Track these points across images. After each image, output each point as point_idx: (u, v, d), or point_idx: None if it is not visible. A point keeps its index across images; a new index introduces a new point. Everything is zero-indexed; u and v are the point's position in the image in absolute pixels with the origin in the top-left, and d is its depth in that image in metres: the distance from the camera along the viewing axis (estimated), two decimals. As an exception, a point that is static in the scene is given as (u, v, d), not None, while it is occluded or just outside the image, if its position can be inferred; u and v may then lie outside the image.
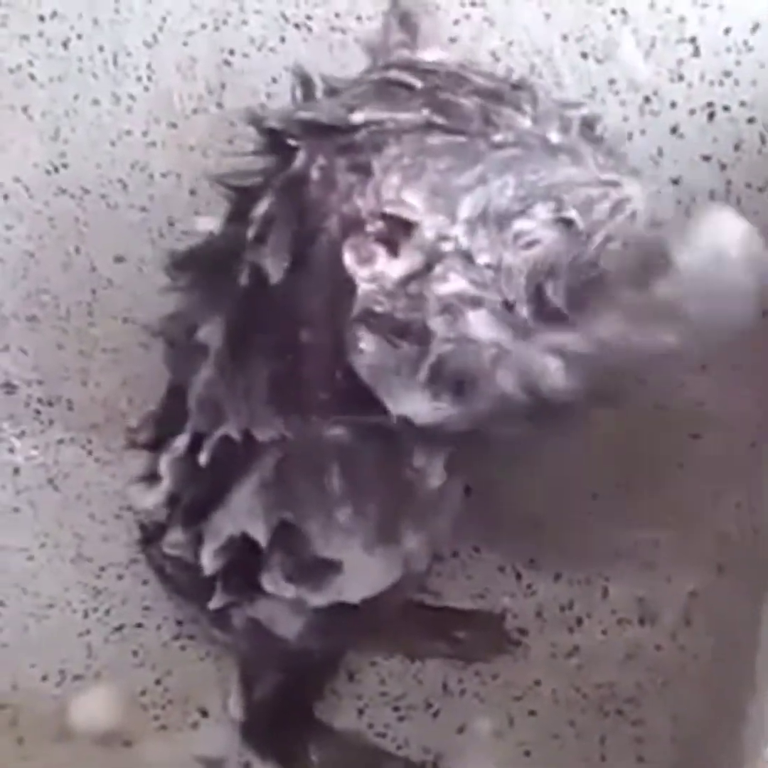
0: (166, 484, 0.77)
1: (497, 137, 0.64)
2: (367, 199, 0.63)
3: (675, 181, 0.78)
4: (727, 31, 0.74)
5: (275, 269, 0.66)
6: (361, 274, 0.65)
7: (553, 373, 0.66)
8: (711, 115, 0.76)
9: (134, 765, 0.85)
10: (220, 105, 0.86)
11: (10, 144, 0.92)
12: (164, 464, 0.77)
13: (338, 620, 0.78)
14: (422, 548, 0.78)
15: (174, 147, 0.89)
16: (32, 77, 0.90)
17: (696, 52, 0.75)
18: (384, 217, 0.64)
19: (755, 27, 0.73)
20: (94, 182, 0.92)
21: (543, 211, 0.65)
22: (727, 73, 0.75)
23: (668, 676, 0.85)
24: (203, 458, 0.73)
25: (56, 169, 0.93)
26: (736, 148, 0.76)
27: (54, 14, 0.87)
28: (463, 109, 0.64)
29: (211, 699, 0.87)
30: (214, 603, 0.77)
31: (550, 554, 0.92)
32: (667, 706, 0.83)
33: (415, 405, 0.68)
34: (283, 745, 0.84)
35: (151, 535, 0.82)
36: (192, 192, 0.89)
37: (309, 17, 0.82)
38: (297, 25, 0.83)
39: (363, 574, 0.76)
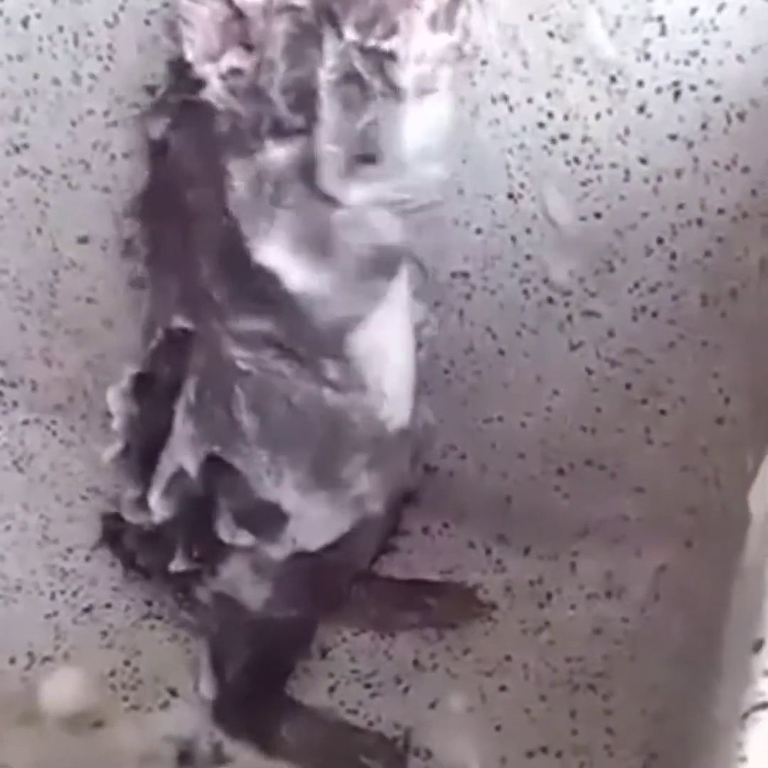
0: (117, 423, 0.78)
1: None
2: None
3: (642, 160, 0.78)
4: (693, 10, 0.74)
5: (155, 127, 0.71)
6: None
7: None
8: (677, 94, 0.76)
9: (105, 746, 0.85)
10: (183, 84, 0.85)
11: (-31, 125, 0.91)
12: (112, 400, 0.78)
13: (304, 584, 0.79)
14: (379, 490, 0.79)
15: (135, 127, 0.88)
16: (-10, 56, 0.88)
17: (662, 31, 0.75)
18: None
19: (721, 6, 0.73)
20: (55, 162, 0.91)
21: None
22: (694, 53, 0.75)
23: (637, 650, 0.86)
24: (134, 371, 0.76)
25: (17, 150, 0.91)
26: (703, 126, 0.76)
27: (12, -8, 0.85)
28: None
29: (181, 679, 0.87)
30: (175, 565, 0.78)
31: (519, 530, 0.92)
32: (636, 680, 0.84)
33: (275, 254, 0.69)
34: (255, 724, 0.84)
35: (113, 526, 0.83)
36: (155, 172, 0.88)
37: (273, -5, 0.81)
38: (262, 3, 0.82)
39: (310, 519, 0.76)
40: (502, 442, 0.90)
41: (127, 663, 0.89)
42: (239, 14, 0.66)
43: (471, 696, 0.86)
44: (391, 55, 0.66)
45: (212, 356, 0.73)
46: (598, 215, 0.80)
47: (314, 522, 0.77)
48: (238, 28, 0.66)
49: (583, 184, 0.80)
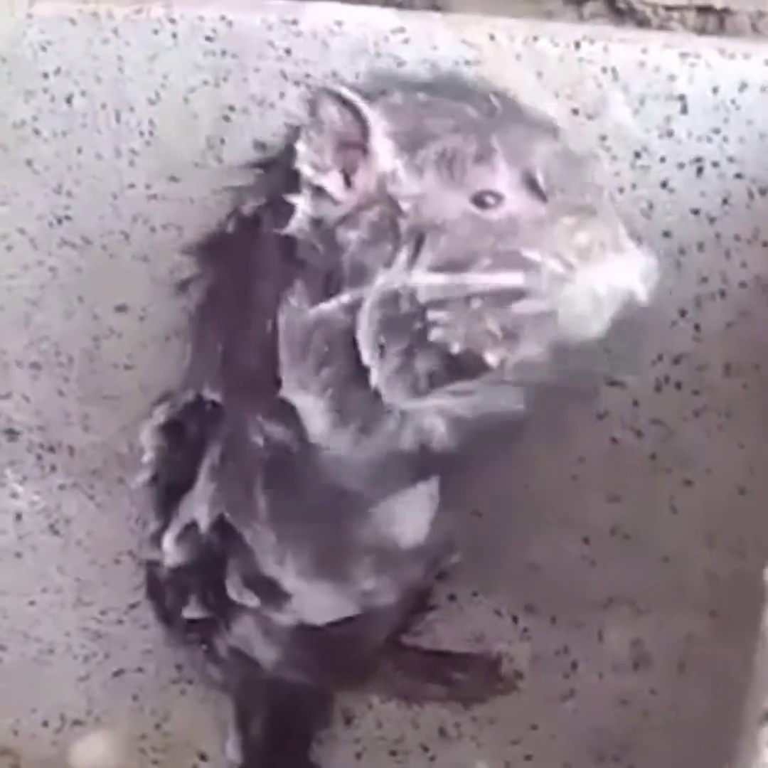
0: (147, 457, 0.79)
1: None
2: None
3: (666, 234, 0.80)
4: (715, 89, 0.76)
5: (251, 204, 0.71)
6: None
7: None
8: (699, 170, 0.78)
9: (133, 809, 0.86)
10: (219, 159, 0.87)
11: (15, 196, 0.94)
12: (145, 434, 0.79)
13: (311, 652, 0.79)
14: (387, 588, 0.79)
15: (175, 200, 0.90)
16: (37, 132, 0.91)
17: (684, 109, 0.77)
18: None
19: (743, 86, 0.75)
20: (96, 234, 0.94)
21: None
22: (716, 130, 0.77)
23: (662, 721, 0.86)
24: (164, 417, 0.77)
25: (59, 221, 0.94)
26: (725, 202, 0.78)
27: (58, 71, 0.88)
28: None
29: (210, 743, 0.87)
30: (189, 611, 0.78)
31: (545, 599, 0.92)
32: (661, 751, 0.84)
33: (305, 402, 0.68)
34: (279, 790, 0.85)
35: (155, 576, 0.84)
36: (192, 244, 0.91)
37: (308, 75, 0.84)
38: (296, 82, 0.84)
39: (313, 601, 0.77)
40: (528, 510, 0.91)
41: (157, 727, 0.89)
42: (365, 151, 0.66)
43: (496, 764, 0.85)
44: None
45: (238, 434, 0.73)
46: (622, 287, 0.82)
47: (318, 604, 0.77)
48: (353, 161, 0.66)
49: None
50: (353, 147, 0.66)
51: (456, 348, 0.65)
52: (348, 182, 0.66)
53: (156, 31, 0.85)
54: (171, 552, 0.76)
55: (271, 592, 0.76)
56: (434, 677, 0.91)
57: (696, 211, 0.79)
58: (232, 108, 0.86)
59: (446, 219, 0.64)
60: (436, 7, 0.85)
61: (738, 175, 0.77)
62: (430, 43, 0.80)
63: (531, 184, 0.64)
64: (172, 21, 0.85)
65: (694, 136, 0.77)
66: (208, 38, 0.85)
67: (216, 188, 0.87)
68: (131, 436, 0.99)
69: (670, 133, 0.78)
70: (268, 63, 0.84)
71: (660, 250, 0.80)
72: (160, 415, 0.78)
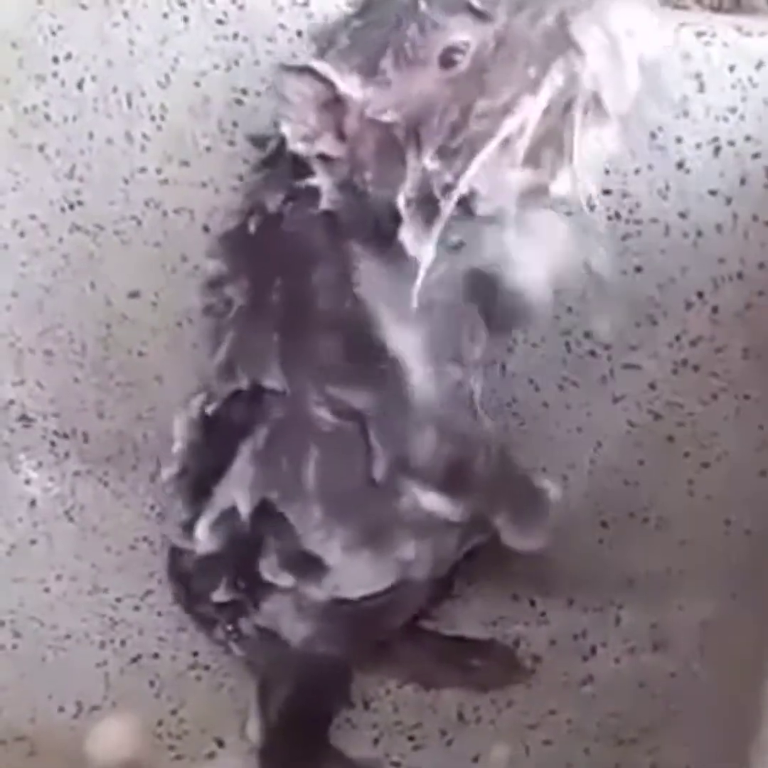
0: (178, 446, 0.79)
1: None
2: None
3: (682, 215, 0.79)
4: (731, 68, 0.75)
5: (272, 201, 0.71)
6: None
7: None
8: (716, 150, 0.77)
9: (151, 795, 0.86)
10: (232, 143, 0.87)
11: (26, 182, 0.93)
12: (177, 426, 0.79)
13: (343, 626, 0.79)
14: (423, 558, 0.79)
15: (187, 184, 0.90)
16: (47, 117, 0.90)
17: (701, 89, 0.76)
18: None
19: (760, 64, 0.74)
20: (108, 219, 0.93)
21: None
22: (733, 109, 0.76)
23: (682, 704, 0.86)
24: (210, 410, 0.76)
25: (71, 207, 0.94)
26: (742, 182, 0.77)
27: (68, 56, 0.88)
28: None
29: (228, 729, 0.87)
30: (218, 596, 0.78)
31: (563, 582, 0.92)
32: (681, 734, 0.84)
33: (406, 337, 0.70)
34: (300, 774, 0.85)
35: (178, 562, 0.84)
36: (205, 228, 0.90)
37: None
38: (308, 65, 0.84)
39: (352, 573, 0.77)
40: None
41: (173, 713, 0.90)
42: (338, 101, 0.67)
43: (515, 749, 0.85)
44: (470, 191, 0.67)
45: (293, 411, 0.74)
46: (638, 269, 0.81)
47: (356, 576, 0.78)
48: (334, 116, 0.68)
49: (624, 238, 0.81)
50: (329, 103, 0.67)
51: None
52: (342, 136, 0.68)
53: (166, 15, 0.85)
54: (204, 540, 0.77)
55: (311, 569, 0.76)
56: (452, 663, 0.91)
57: (713, 192, 0.78)
58: (244, 91, 0.85)
59: (429, 102, 0.66)
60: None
61: (755, 155, 0.76)
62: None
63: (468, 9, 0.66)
64: (183, 4, 0.84)
65: (710, 115, 0.77)
66: (219, 21, 0.84)
67: (228, 172, 0.88)
68: (147, 423, 1.01)
69: (686, 113, 0.77)
70: (280, 46, 0.83)
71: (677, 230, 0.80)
72: (196, 406, 0.78)
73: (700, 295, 0.81)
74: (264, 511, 0.75)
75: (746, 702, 0.73)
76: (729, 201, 0.78)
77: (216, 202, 0.88)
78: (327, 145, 0.68)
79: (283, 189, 0.71)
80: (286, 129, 0.68)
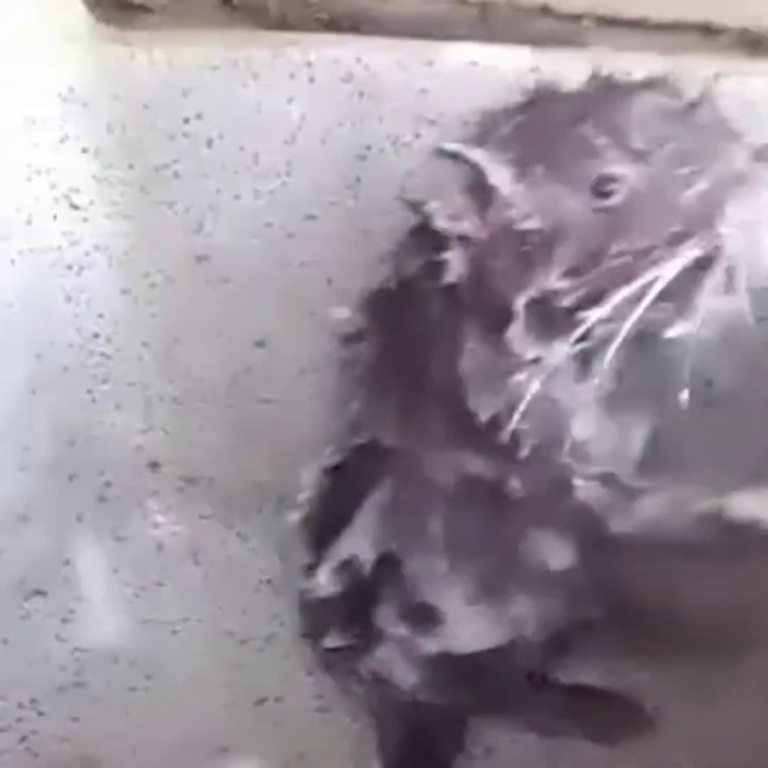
0: (305, 495, 0.82)
1: None
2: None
3: None
4: None
5: (410, 268, 0.74)
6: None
7: None
8: None
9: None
10: (356, 198, 0.88)
11: (156, 237, 0.95)
12: (305, 474, 0.82)
13: (452, 678, 0.80)
14: (533, 616, 0.79)
15: (312, 238, 0.91)
16: (177, 174, 0.93)
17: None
18: None
19: None
20: (235, 272, 0.95)
21: None
22: None
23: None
24: (337, 460, 0.79)
25: (199, 260, 0.96)
26: None
27: (198, 116, 0.90)
28: None
29: (352, 773, 0.89)
30: (330, 641, 0.80)
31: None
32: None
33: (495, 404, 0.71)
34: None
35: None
36: (329, 281, 0.92)
37: (442, 114, 0.85)
38: (431, 122, 0.85)
39: (466, 626, 0.78)
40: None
41: (300, 756, 0.91)
42: (487, 189, 0.69)
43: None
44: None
45: (415, 469, 0.76)
46: None
47: (470, 631, 0.79)
48: (481, 201, 0.69)
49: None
50: (477, 189, 0.69)
51: None
52: (483, 219, 0.69)
53: (293, 75, 0.86)
54: (325, 584, 0.78)
55: (426, 620, 0.77)
56: (572, 714, 0.90)
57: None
58: (368, 147, 0.87)
59: (573, 224, 0.67)
60: (571, 44, 0.85)
61: None
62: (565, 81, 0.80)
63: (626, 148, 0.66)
64: (309, 65, 0.86)
65: None
66: (343, 80, 0.86)
67: (352, 226, 0.89)
68: (270, 468, 1.02)
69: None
70: (404, 103, 0.85)
71: None
72: (329, 456, 0.80)
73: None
74: (385, 561, 0.77)
75: None
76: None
77: (340, 256, 0.90)
78: (469, 226, 0.70)
79: (422, 258, 0.73)
80: (434, 204, 0.70)
